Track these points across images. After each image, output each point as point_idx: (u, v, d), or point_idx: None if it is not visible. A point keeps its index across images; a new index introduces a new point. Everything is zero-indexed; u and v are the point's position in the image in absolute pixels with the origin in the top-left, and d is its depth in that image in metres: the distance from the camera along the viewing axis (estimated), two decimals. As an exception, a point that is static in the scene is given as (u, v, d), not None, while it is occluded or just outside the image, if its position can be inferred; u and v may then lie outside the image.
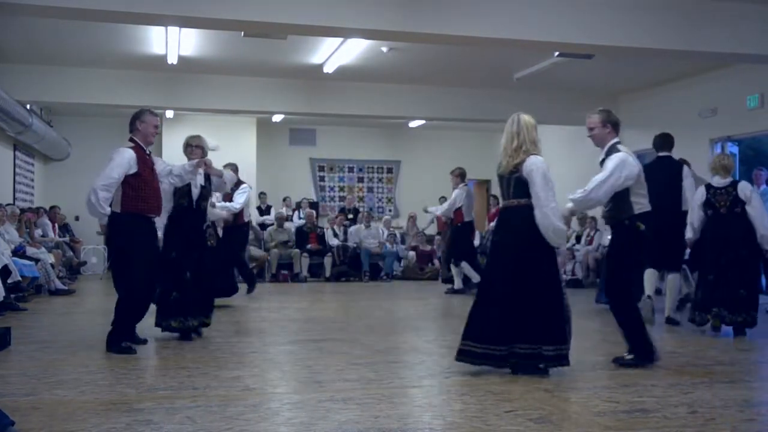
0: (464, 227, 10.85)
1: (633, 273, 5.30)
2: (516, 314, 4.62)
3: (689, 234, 6.91)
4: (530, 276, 4.65)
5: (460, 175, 11.00)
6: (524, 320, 4.61)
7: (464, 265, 10.85)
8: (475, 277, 11.04)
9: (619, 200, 5.05)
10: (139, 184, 5.62)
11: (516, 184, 4.80)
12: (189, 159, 6.27)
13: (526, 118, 4.91)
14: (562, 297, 4.71)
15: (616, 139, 5.22)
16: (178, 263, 5.98)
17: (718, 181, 6.78)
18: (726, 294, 6.57)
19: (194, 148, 6.43)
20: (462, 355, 4.79)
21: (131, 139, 5.88)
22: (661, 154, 7.55)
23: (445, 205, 10.92)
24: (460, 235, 10.89)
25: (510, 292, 4.65)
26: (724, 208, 6.68)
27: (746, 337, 6.59)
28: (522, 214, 4.73)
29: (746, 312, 6.59)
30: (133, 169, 5.60)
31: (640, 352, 5.02)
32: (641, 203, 5.09)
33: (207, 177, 6.29)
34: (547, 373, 4.65)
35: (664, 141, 7.58)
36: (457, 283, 10.89)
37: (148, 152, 5.87)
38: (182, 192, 6.08)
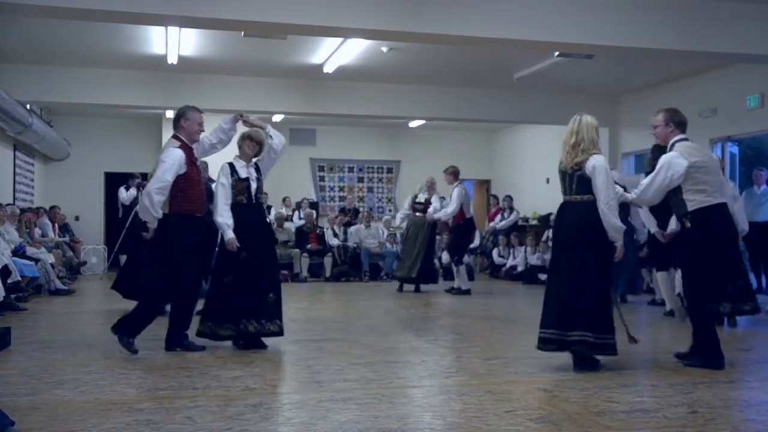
0: (466, 225, 10.87)
1: (698, 272, 5.14)
2: (575, 303, 4.87)
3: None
4: (589, 267, 4.88)
5: (453, 173, 11.05)
6: (582, 309, 4.85)
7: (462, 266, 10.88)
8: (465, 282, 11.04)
9: (674, 199, 5.20)
10: (187, 184, 5.49)
11: (579, 181, 5.01)
12: (244, 152, 5.96)
13: (588, 118, 5.20)
14: (609, 289, 5.00)
15: (678, 137, 5.28)
16: (247, 264, 5.62)
17: None
18: None
19: (251, 141, 6.01)
20: (542, 343, 5.02)
21: (176, 137, 5.63)
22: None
23: (449, 208, 10.83)
24: (463, 233, 10.91)
25: (569, 282, 4.91)
26: None
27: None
28: (583, 210, 4.95)
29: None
30: (183, 170, 5.47)
31: (706, 356, 5.06)
32: (694, 199, 5.09)
33: (257, 168, 5.99)
34: (598, 365, 4.92)
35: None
36: (464, 284, 10.86)
37: (191, 149, 5.70)
38: (241, 188, 5.79)
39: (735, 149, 11.46)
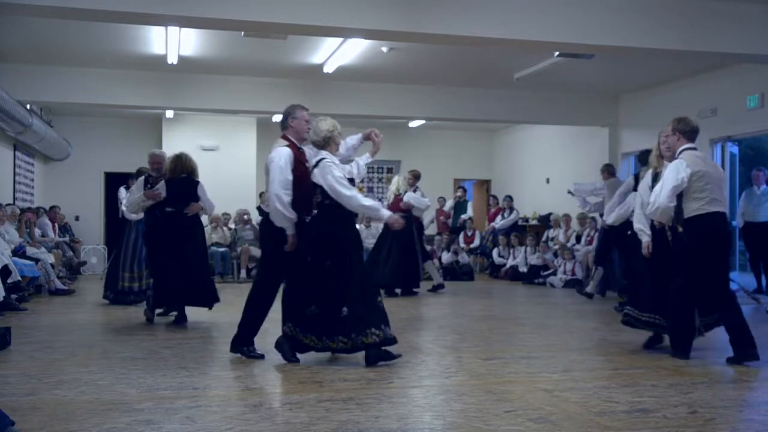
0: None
1: (686, 276, 5.42)
2: (662, 290, 5.59)
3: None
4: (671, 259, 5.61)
5: (415, 177, 10.90)
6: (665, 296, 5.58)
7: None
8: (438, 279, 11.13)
9: (676, 206, 5.43)
10: (294, 184, 5.22)
11: None
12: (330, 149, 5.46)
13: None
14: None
15: (685, 146, 5.49)
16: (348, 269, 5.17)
17: None
18: None
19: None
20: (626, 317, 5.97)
21: (284, 137, 5.39)
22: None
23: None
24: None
25: (656, 272, 5.71)
26: None
27: None
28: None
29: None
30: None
31: (675, 343, 5.54)
32: (691, 207, 5.35)
33: None
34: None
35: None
36: (435, 279, 11.09)
37: (300, 149, 5.41)
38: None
39: (735, 149, 11.46)
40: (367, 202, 5.35)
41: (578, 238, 12.90)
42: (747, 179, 11.31)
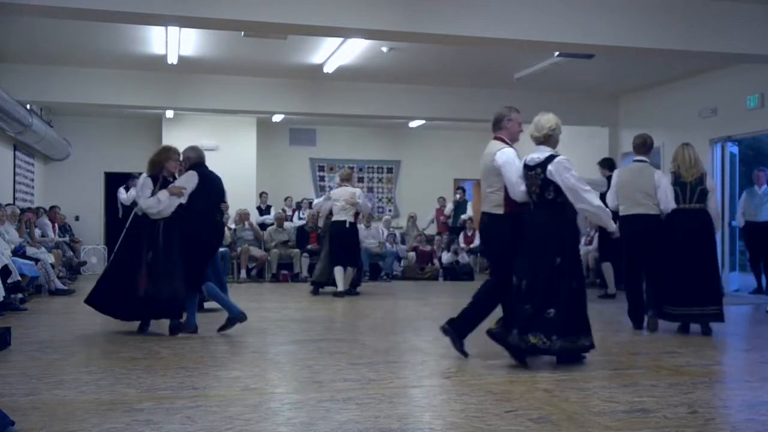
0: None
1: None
2: (694, 284, 6.50)
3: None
4: (707, 254, 6.66)
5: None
6: (700, 288, 6.51)
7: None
8: None
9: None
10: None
11: (701, 192, 6.68)
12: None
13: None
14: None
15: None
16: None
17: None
18: None
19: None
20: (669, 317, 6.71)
21: (499, 138, 5.38)
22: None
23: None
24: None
25: (691, 267, 6.53)
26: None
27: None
28: (701, 214, 6.68)
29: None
30: None
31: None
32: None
33: None
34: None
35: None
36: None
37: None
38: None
39: (735, 149, 11.46)
40: (600, 203, 5.26)
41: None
42: (747, 179, 11.30)
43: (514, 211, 5.23)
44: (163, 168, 6.57)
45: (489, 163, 5.26)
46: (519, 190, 5.14)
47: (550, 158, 5.09)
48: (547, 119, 5.25)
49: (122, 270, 6.46)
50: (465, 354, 5.33)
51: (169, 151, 6.69)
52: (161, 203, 6.40)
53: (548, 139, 5.23)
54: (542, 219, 5.10)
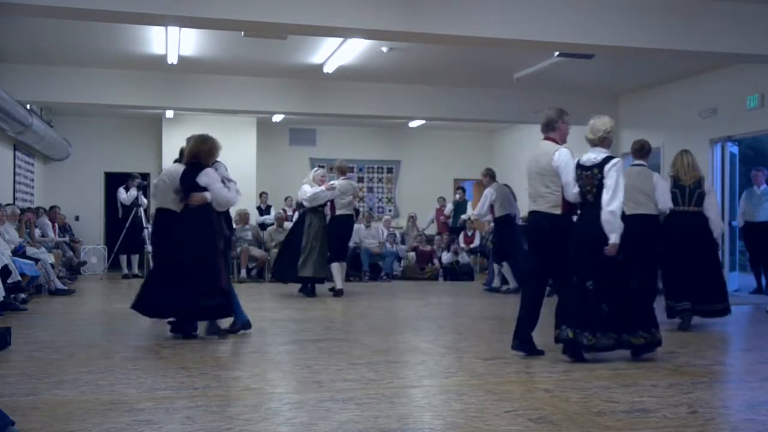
0: (500, 222, 10.90)
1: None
2: (696, 281, 6.84)
3: None
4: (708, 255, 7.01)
5: (488, 175, 11.18)
6: (703, 285, 6.87)
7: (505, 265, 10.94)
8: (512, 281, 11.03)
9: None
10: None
11: (699, 195, 6.99)
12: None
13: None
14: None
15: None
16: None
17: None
18: None
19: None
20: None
21: (551, 139, 5.50)
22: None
23: (479, 206, 10.97)
24: (499, 231, 11.00)
25: (691, 265, 6.86)
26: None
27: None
28: (699, 217, 6.98)
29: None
30: None
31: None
32: None
33: None
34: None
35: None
36: (496, 282, 11.12)
37: None
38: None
39: (735, 149, 11.46)
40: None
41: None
42: (747, 179, 11.30)
43: (570, 212, 5.39)
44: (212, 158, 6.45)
45: (546, 164, 5.36)
46: (573, 191, 5.29)
47: (607, 159, 5.21)
48: (602, 122, 5.35)
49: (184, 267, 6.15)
50: (541, 352, 5.43)
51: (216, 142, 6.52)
52: (240, 194, 6.47)
53: (603, 141, 5.35)
54: (598, 221, 5.16)
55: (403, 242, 15.13)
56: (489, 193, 10.81)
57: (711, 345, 6.18)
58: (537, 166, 5.43)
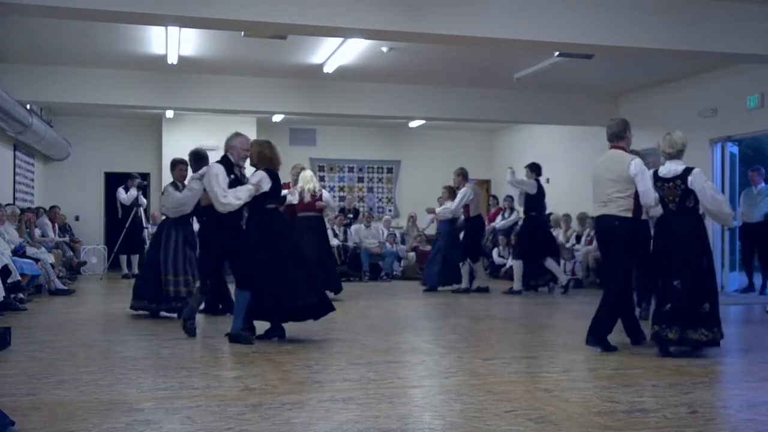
0: (473, 223, 11.06)
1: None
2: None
3: None
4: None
5: (461, 175, 11.26)
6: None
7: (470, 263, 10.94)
8: (483, 278, 11.12)
9: None
10: None
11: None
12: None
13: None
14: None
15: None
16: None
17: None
18: None
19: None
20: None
21: (620, 147, 5.99)
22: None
23: (452, 204, 11.03)
24: (469, 231, 11.12)
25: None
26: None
27: None
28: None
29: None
30: None
31: None
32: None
33: None
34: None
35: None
36: (464, 282, 11.01)
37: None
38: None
39: (735, 149, 11.46)
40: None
41: (578, 238, 12.90)
42: (747, 179, 11.31)
43: (639, 215, 5.84)
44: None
45: (621, 171, 5.76)
46: (655, 196, 5.73)
47: (687, 170, 5.65)
48: (678, 136, 5.79)
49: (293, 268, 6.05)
50: (615, 348, 5.75)
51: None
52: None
53: (680, 153, 5.77)
54: (686, 225, 5.66)
55: (403, 242, 15.13)
56: (466, 192, 10.99)
57: (711, 345, 6.17)
58: (610, 173, 5.82)
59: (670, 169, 5.70)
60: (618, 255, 5.78)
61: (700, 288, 5.52)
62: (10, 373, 4.78)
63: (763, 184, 10.58)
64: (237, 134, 6.45)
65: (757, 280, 10.69)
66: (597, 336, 5.75)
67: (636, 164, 5.73)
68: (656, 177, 5.75)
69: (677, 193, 5.64)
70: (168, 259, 7.80)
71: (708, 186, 5.63)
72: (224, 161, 6.25)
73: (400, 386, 4.54)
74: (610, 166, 5.86)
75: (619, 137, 6.02)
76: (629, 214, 5.71)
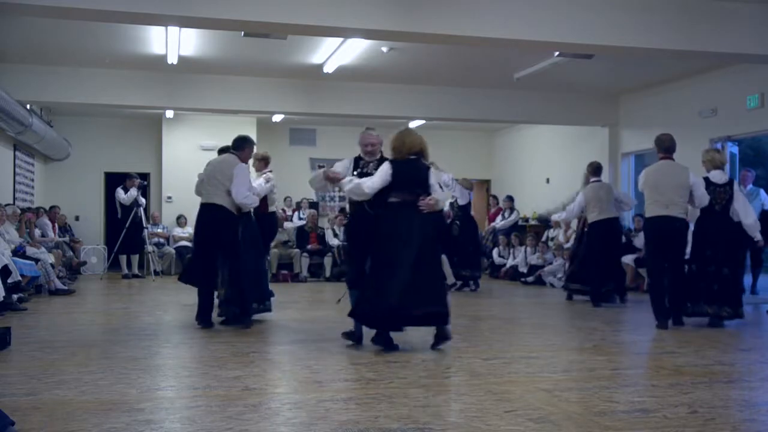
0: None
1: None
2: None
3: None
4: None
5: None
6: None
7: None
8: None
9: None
10: None
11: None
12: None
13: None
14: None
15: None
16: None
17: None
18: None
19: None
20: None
21: (671, 158, 7.15)
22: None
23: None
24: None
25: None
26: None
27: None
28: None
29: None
30: None
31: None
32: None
33: None
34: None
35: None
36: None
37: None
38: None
39: (735, 149, 11.46)
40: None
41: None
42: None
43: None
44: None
45: (683, 180, 6.98)
46: (707, 200, 7.02)
47: (731, 180, 7.26)
48: (719, 152, 7.45)
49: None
50: (682, 323, 7.14)
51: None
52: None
53: (723, 165, 7.34)
54: (730, 224, 7.13)
55: (403, 242, 15.09)
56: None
57: (711, 345, 6.17)
58: (674, 181, 6.96)
59: (719, 177, 7.14)
60: (679, 249, 7.07)
61: (737, 275, 7.11)
62: (10, 373, 4.77)
63: (752, 186, 10.61)
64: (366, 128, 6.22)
65: (747, 279, 10.68)
66: (676, 316, 7.07)
67: (694, 175, 6.99)
68: (708, 182, 7.06)
69: (725, 198, 7.09)
70: None
71: (741, 194, 7.17)
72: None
73: (400, 386, 4.53)
74: (671, 174, 6.97)
75: (671, 150, 7.13)
76: (685, 216, 6.98)
